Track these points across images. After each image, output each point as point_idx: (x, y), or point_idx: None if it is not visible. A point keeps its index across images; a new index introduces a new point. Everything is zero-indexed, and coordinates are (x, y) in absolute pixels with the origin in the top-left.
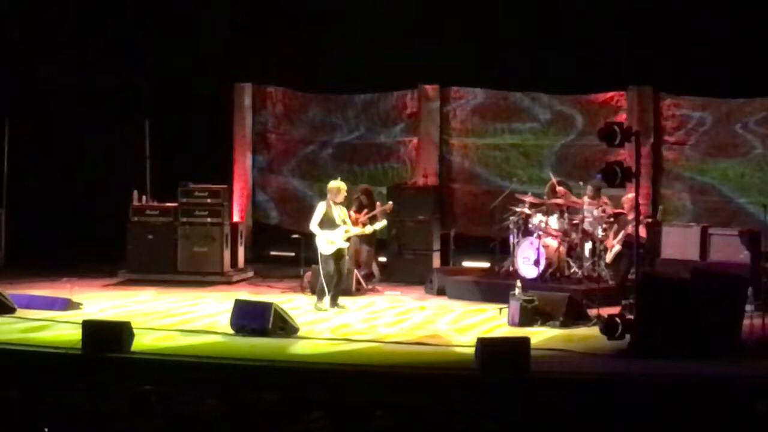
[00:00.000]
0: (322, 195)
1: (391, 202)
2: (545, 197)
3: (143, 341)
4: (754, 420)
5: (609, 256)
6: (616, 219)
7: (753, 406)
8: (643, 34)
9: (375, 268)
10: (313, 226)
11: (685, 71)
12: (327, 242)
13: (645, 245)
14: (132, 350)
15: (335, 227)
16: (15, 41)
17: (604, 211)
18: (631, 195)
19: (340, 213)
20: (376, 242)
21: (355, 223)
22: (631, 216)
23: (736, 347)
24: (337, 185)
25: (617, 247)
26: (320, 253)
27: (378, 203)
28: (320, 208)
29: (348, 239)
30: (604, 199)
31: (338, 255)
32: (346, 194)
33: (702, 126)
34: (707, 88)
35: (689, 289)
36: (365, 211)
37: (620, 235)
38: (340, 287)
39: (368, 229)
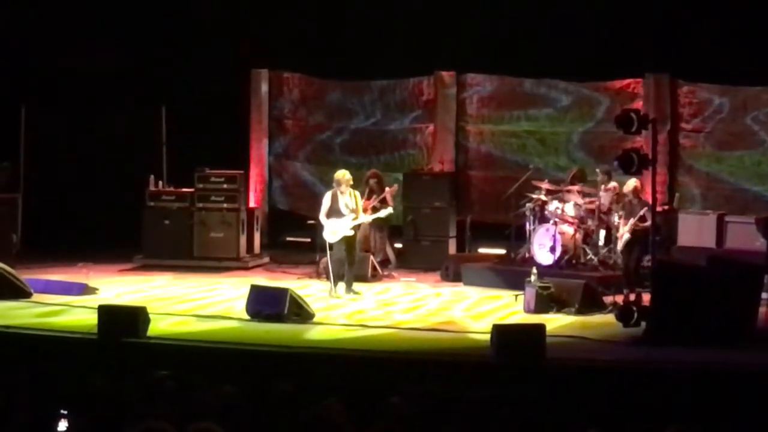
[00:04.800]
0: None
1: (396, 185)
2: (563, 184)
3: (159, 326)
4: None
5: (620, 245)
6: (621, 202)
7: None
8: (660, 21)
9: (391, 255)
10: (321, 216)
11: (703, 58)
12: (332, 232)
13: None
14: (148, 335)
15: (341, 216)
16: (31, 28)
17: (615, 196)
18: (632, 181)
19: (348, 202)
20: (388, 228)
21: (365, 209)
22: (635, 202)
23: (751, 335)
24: (340, 176)
25: (627, 236)
26: (327, 242)
27: (386, 188)
28: (326, 199)
29: (355, 227)
30: (614, 184)
31: (347, 242)
32: (351, 183)
33: (719, 114)
34: (724, 76)
35: (705, 276)
36: (374, 197)
37: (630, 224)
38: (353, 274)
39: (368, 218)
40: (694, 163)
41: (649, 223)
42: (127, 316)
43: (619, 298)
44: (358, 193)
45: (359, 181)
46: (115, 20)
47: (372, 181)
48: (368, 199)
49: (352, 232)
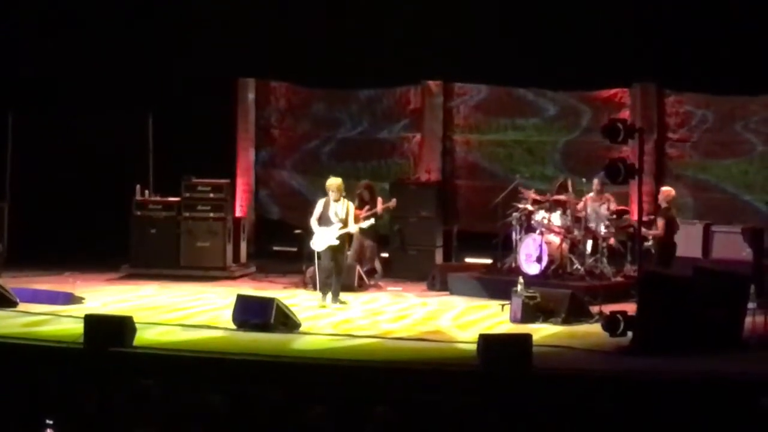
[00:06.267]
0: (324, 190)
1: (394, 200)
2: (550, 194)
3: (145, 336)
4: (757, 415)
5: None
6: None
7: (756, 401)
8: (647, 31)
9: (377, 264)
10: (312, 222)
11: (689, 68)
12: (319, 239)
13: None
14: (134, 345)
15: (330, 225)
16: (18, 34)
17: (608, 207)
18: (666, 188)
19: (339, 211)
20: (378, 238)
21: (356, 219)
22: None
23: (738, 344)
24: (329, 183)
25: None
26: (315, 251)
27: (379, 199)
28: (318, 205)
29: (341, 237)
30: (608, 195)
31: (335, 251)
32: (342, 191)
33: (705, 123)
34: (711, 86)
35: (691, 286)
36: (366, 207)
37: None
38: (340, 283)
39: (354, 228)
40: (681, 172)
41: (657, 231)
42: (113, 326)
43: (606, 308)
44: (351, 204)
45: (349, 190)
46: (102, 28)
47: (364, 192)
48: (360, 209)
49: (337, 242)
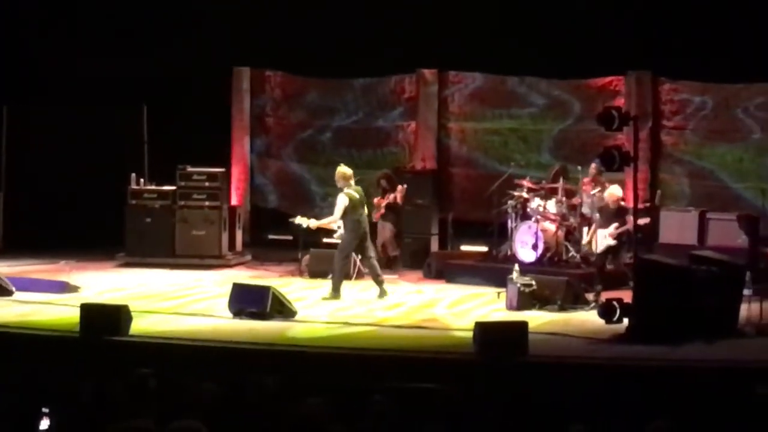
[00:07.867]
0: (320, 179)
1: (405, 185)
2: (545, 182)
3: (141, 324)
4: (753, 403)
5: (600, 246)
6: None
7: (751, 388)
8: (642, 19)
9: (386, 251)
10: None
11: (684, 56)
12: None
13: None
14: (130, 333)
15: None
16: (13, 26)
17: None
18: (615, 191)
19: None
20: (399, 222)
21: (378, 207)
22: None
23: (733, 331)
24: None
25: (611, 242)
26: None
27: (399, 187)
28: None
29: (339, 236)
30: (604, 182)
31: None
32: (341, 180)
33: (701, 111)
34: (706, 73)
35: (687, 273)
36: (388, 195)
37: (611, 229)
38: (334, 279)
39: (311, 223)
40: (676, 160)
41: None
42: (109, 314)
43: (602, 295)
44: (341, 197)
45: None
46: (95, 19)
47: (383, 181)
48: (381, 198)
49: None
